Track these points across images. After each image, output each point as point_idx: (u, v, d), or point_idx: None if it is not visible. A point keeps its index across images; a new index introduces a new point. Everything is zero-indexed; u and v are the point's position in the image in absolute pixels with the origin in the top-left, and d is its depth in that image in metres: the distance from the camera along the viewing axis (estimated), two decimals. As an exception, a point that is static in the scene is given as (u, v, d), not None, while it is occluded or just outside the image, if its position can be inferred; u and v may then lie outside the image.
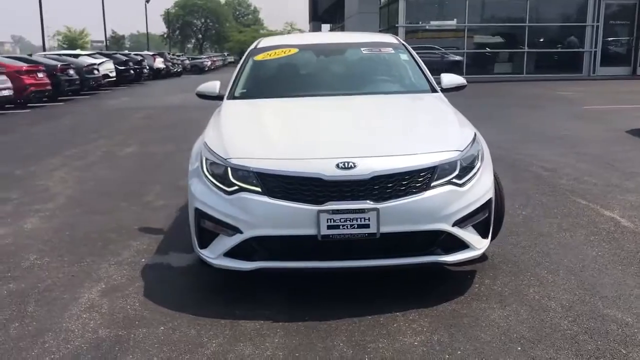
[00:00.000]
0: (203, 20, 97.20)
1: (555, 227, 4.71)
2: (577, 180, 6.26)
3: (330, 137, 3.66)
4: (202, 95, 4.83)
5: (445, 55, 23.39)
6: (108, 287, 3.77)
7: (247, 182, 3.33)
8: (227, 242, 3.37)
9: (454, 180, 3.38)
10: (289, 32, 79.68)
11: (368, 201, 3.22)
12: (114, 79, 25.89)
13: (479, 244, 3.51)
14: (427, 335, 3.05)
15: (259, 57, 5.03)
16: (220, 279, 3.77)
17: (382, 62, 5.14)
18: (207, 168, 3.53)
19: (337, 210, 3.20)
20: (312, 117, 4.15)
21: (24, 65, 17.05)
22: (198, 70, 50.72)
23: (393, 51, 5.05)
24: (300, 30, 72.82)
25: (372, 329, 3.12)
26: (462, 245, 3.43)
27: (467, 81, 4.89)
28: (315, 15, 40.77)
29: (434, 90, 4.61)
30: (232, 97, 4.66)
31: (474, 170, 3.51)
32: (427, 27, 24.26)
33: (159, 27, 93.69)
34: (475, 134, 3.74)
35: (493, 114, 12.29)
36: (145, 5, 61.67)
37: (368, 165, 3.26)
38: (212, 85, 4.82)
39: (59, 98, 19.45)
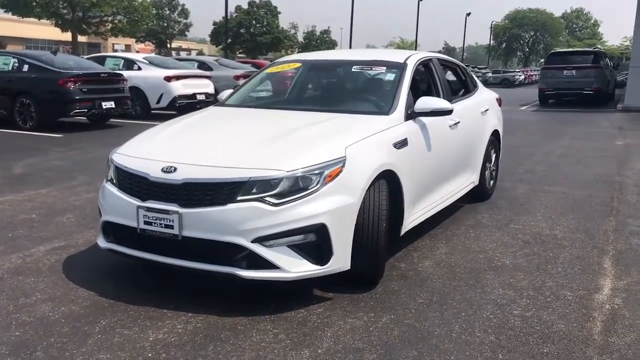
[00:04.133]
0: (532, 33, 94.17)
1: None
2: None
3: (193, 145, 3.96)
4: (215, 102, 5.46)
5: None
6: (64, 245, 4.72)
7: (113, 174, 3.93)
8: (100, 222, 4.01)
9: (267, 198, 3.41)
10: (626, 48, 72.43)
11: (176, 205, 3.50)
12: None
13: (293, 267, 3.45)
14: (175, 334, 3.24)
15: (269, 70, 5.43)
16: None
17: (361, 82, 5.05)
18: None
19: (150, 208, 3.56)
20: (218, 126, 4.45)
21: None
22: (508, 83, 49.87)
23: (383, 70, 4.90)
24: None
25: (155, 319, 3.42)
26: (270, 265, 3.44)
27: None
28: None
29: (388, 113, 4.40)
30: (221, 104, 5.19)
31: (306, 192, 3.46)
32: None
33: (487, 39, 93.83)
34: (339, 159, 3.61)
35: None
36: (466, 18, 62.92)
37: (183, 172, 3.54)
38: (224, 93, 5.42)
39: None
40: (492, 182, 6.57)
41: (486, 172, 6.27)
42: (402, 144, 4.24)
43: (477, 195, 6.22)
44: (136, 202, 3.63)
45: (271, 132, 4.05)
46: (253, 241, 3.39)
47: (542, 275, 4.21)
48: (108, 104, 12.06)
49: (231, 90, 5.42)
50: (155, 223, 3.56)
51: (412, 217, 4.48)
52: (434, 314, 3.55)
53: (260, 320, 3.43)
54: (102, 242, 3.96)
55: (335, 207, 3.52)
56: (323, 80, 5.27)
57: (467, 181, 5.77)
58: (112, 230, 3.88)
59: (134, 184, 3.70)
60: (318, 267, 3.52)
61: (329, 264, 3.54)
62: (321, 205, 3.48)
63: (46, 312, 3.50)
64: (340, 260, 3.59)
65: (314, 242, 3.49)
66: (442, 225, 5.39)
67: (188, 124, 4.52)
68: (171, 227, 3.50)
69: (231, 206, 3.41)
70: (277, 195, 3.43)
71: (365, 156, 3.81)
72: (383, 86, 4.80)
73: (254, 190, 3.43)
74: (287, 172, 3.46)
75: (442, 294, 3.85)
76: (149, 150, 3.93)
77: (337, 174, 3.58)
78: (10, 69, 11.97)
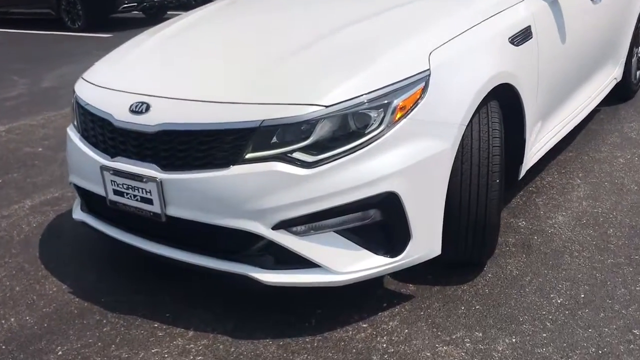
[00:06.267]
0: None
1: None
2: None
3: (181, 64, 2.51)
4: None
5: None
6: (57, 196, 3.58)
7: (75, 114, 2.62)
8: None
9: (296, 153, 2.00)
10: None
11: (154, 166, 2.17)
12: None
13: (345, 265, 2.09)
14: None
15: None
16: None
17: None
18: None
19: (118, 171, 2.25)
20: (226, 28, 2.90)
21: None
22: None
23: None
24: None
25: (136, 345, 2.22)
26: (306, 262, 2.09)
27: None
28: None
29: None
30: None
31: (361, 141, 2.01)
32: None
33: None
34: (418, 76, 2.11)
35: None
36: None
37: (159, 112, 2.17)
38: None
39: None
40: (638, 74, 4.74)
41: (632, 61, 4.46)
42: (523, 35, 2.62)
43: (618, 93, 4.46)
44: (99, 159, 2.33)
45: (306, 35, 2.52)
46: (276, 227, 2.03)
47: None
48: (160, -5, 10.68)
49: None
50: (127, 194, 2.26)
51: (537, 147, 2.94)
52: (584, 332, 2.12)
53: (296, 347, 2.14)
54: (76, 212, 2.74)
55: (413, 162, 2.06)
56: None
57: (608, 77, 4.04)
58: (84, 197, 2.63)
59: (98, 130, 2.39)
60: (387, 260, 2.14)
61: (404, 253, 2.14)
62: (389, 161, 2.03)
63: (-14, 329, 2.38)
64: (424, 245, 2.19)
65: (378, 222, 2.08)
66: (574, 146, 3.78)
67: (184, 26, 3.03)
68: (149, 201, 2.20)
69: (237, 169, 2.03)
70: (313, 148, 2.00)
71: (463, 65, 2.28)
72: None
73: (274, 141, 2.01)
74: (328, 107, 2.00)
75: (592, 285, 2.38)
76: (118, 75, 2.56)
77: (415, 104, 2.09)
78: (51, -39, 10.75)
